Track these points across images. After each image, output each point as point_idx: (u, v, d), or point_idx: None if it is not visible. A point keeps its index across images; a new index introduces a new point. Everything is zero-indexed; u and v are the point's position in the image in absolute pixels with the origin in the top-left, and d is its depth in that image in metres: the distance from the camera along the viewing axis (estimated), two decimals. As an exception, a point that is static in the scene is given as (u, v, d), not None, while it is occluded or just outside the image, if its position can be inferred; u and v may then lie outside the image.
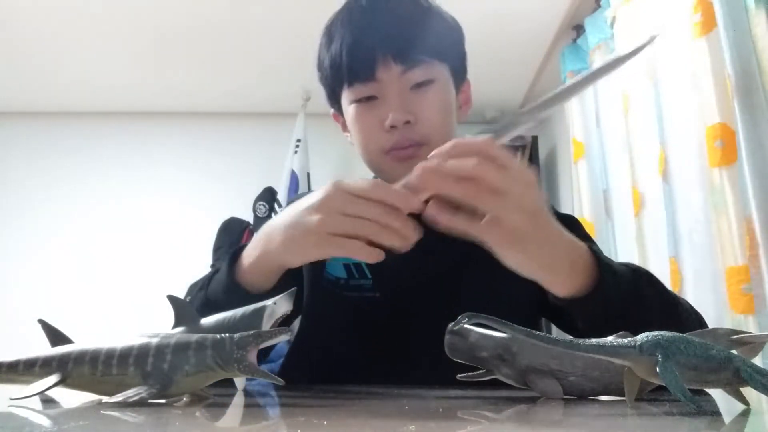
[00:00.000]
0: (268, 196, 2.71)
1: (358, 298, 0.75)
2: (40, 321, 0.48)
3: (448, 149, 0.50)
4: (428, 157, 0.51)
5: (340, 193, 0.54)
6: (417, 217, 0.64)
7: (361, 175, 0.91)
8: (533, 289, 0.74)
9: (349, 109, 0.77)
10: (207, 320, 0.50)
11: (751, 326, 1.16)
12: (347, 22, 0.75)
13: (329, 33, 0.78)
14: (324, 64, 0.78)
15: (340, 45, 0.73)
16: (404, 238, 0.53)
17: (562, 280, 0.56)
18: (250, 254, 0.63)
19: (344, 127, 0.85)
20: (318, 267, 0.77)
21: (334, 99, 0.80)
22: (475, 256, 0.74)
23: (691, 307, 0.66)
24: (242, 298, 0.55)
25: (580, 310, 0.58)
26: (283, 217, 0.60)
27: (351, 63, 0.73)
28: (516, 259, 0.54)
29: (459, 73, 0.80)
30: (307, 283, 0.78)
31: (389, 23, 0.73)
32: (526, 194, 0.51)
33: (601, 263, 0.57)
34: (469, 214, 0.50)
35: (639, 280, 0.61)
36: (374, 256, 0.54)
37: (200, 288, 0.69)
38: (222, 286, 0.64)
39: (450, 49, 0.78)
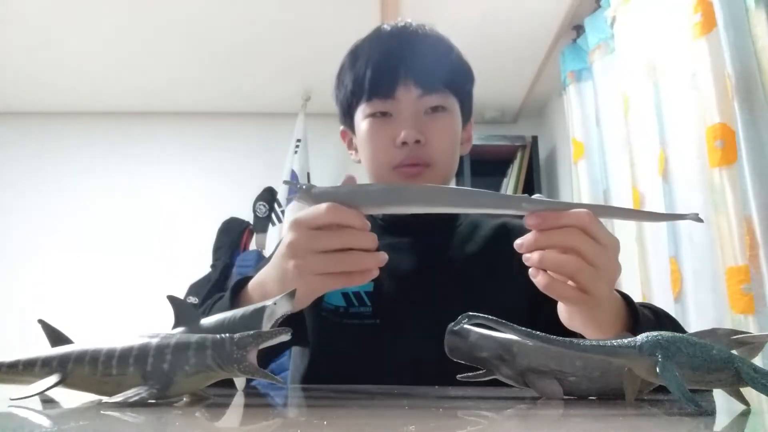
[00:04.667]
0: (268, 196, 2.71)
1: (359, 325, 0.78)
2: (40, 321, 0.48)
3: (552, 220, 0.52)
4: (529, 222, 0.53)
5: (302, 232, 0.53)
6: (417, 241, 0.73)
7: (361, 174, 0.92)
8: (527, 313, 0.79)
9: (362, 124, 0.81)
10: (207, 320, 0.50)
11: (751, 326, 1.15)
12: (375, 45, 0.81)
13: (354, 54, 0.83)
14: (344, 81, 0.83)
15: (365, 62, 0.79)
16: (374, 259, 0.53)
17: (601, 334, 0.58)
18: (251, 297, 0.62)
19: (350, 145, 0.90)
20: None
21: (348, 115, 0.85)
22: (469, 282, 0.81)
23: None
24: None
25: None
26: (270, 268, 0.59)
27: (374, 78, 0.78)
28: (580, 319, 0.57)
29: (466, 111, 0.86)
30: (307, 312, 0.80)
31: (415, 50, 0.80)
32: (614, 269, 0.54)
33: (636, 317, 0.59)
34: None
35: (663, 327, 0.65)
36: (365, 279, 0.54)
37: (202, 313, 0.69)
38: None
39: (463, 87, 0.85)
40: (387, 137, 0.78)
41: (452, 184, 0.86)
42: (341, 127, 0.90)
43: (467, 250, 0.84)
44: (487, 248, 0.83)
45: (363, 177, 0.83)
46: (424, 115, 0.78)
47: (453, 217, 0.88)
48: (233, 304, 0.63)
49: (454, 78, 0.82)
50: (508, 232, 0.84)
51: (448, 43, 0.84)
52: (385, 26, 0.83)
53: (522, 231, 0.86)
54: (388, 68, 0.78)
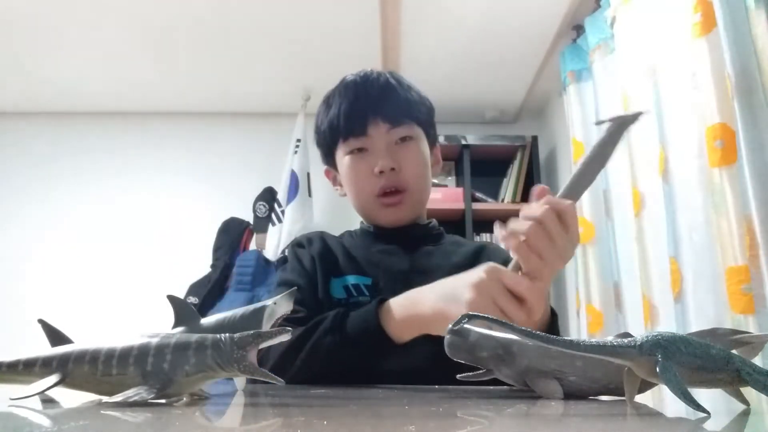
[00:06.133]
0: (268, 196, 2.71)
1: None
2: (40, 321, 0.48)
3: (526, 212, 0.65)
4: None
5: (497, 283, 0.64)
6: (405, 244, 0.93)
7: (348, 206, 1.03)
8: None
9: (343, 161, 0.94)
10: (207, 320, 0.51)
11: (751, 326, 1.16)
12: (343, 93, 0.93)
13: (327, 102, 0.95)
14: (322, 127, 0.95)
15: (338, 108, 0.92)
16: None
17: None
18: (399, 310, 0.73)
19: (334, 182, 1.02)
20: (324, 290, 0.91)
21: (330, 156, 0.98)
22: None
23: None
24: (383, 344, 0.71)
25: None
26: (437, 287, 0.71)
27: (347, 121, 0.91)
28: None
29: (432, 137, 1.00)
30: (317, 301, 0.89)
31: (378, 92, 0.93)
32: (559, 263, 0.65)
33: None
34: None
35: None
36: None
37: (330, 329, 0.75)
38: (364, 328, 0.73)
39: (425, 117, 0.97)
40: (366, 169, 0.91)
41: (426, 206, 1.00)
42: (325, 167, 1.02)
43: (451, 258, 0.95)
44: (467, 258, 0.95)
45: (349, 208, 0.98)
46: (395, 145, 0.91)
47: (439, 235, 1.00)
48: (376, 315, 0.73)
49: (416, 110, 0.95)
50: (485, 250, 0.97)
51: (407, 82, 0.97)
52: (350, 76, 0.95)
53: (497, 252, 0.97)
54: (358, 110, 0.90)
